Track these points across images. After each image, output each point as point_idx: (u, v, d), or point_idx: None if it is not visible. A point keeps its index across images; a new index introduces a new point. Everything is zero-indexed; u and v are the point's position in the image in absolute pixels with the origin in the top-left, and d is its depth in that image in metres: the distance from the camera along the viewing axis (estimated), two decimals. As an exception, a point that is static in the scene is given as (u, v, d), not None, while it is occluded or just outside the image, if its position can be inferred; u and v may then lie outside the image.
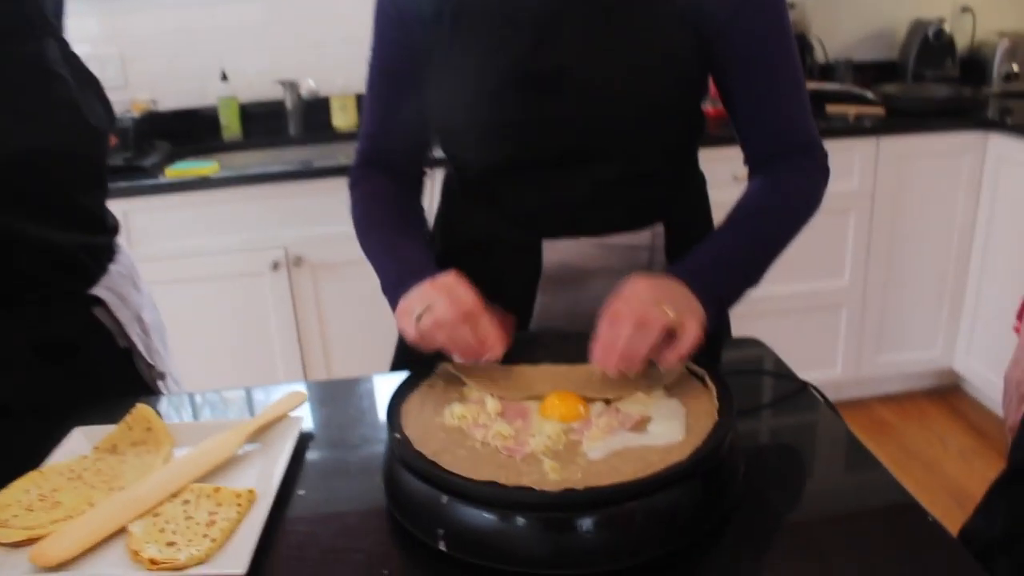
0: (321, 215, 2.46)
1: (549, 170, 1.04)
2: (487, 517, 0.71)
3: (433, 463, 0.75)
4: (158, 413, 1.00)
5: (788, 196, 1.04)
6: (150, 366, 1.25)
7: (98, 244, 1.22)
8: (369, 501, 0.85)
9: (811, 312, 2.80)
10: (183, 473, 0.89)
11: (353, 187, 1.13)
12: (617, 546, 0.71)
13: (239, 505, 0.83)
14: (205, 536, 0.79)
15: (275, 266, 2.48)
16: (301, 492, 0.88)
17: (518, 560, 0.71)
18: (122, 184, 2.40)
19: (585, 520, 0.70)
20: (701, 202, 1.17)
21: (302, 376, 2.59)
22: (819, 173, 1.06)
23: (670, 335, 0.85)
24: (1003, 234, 2.66)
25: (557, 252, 1.07)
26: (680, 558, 0.73)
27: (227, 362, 2.59)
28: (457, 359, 0.91)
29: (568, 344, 0.97)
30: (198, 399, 1.17)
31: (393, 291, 0.97)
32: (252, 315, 2.53)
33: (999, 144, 2.62)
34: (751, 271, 1.00)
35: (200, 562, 0.76)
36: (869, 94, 2.83)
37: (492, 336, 0.89)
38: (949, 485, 2.55)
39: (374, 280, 1.25)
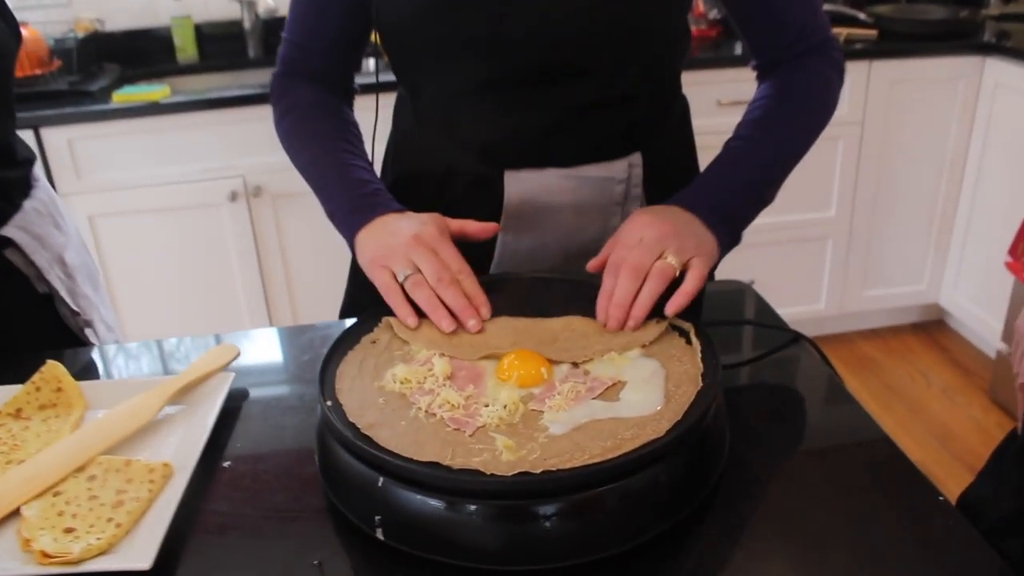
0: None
1: (512, 92, 0.91)
2: (429, 504, 0.61)
3: (367, 438, 0.64)
4: (90, 367, 0.88)
5: (803, 100, 0.95)
6: (75, 313, 1.13)
7: (8, 179, 1.08)
8: (303, 477, 0.75)
9: (796, 244, 2.70)
10: (91, 443, 0.77)
11: (279, 99, 1.02)
12: (582, 538, 0.61)
13: (151, 482, 0.72)
14: (110, 520, 0.68)
15: (233, 196, 2.34)
16: (227, 464, 0.78)
17: (466, 553, 0.61)
18: (67, 110, 2.23)
19: (544, 508, 0.60)
20: (684, 129, 1.05)
21: (266, 315, 2.48)
22: (834, 72, 0.97)
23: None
24: (996, 165, 2.55)
25: (520, 185, 0.95)
26: (654, 547, 0.64)
27: (184, 303, 2.46)
28: (437, 323, 0.81)
29: (531, 292, 0.85)
30: (133, 350, 1.06)
31: (348, 219, 0.88)
32: (209, 250, 2.40)
33: (996, 69, 2.49)
34: (765, 189, 0.92)
35: (100, 552, 0.65)
36: (861, 15, 2.69)
37: (479, 298, 0.82)
38: (931, 423, 2.49)
39: None
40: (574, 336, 0.77)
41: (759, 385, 0.87)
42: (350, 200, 0.89)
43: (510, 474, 0.60)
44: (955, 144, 2.64)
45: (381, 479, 0.62)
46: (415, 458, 0.62)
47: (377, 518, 0.63)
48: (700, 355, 0.73)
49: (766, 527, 0.67)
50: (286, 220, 2.40)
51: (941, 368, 2.76)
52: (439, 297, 0.80)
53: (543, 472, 0.60)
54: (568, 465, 0.60)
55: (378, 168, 1.08)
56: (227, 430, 0.82)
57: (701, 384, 0.70)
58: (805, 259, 2.74)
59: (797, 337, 0.92)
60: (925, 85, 2.56)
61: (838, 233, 2.70)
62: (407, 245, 0.82)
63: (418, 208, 1.00)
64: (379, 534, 0.64)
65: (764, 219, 0.94)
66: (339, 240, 1.10)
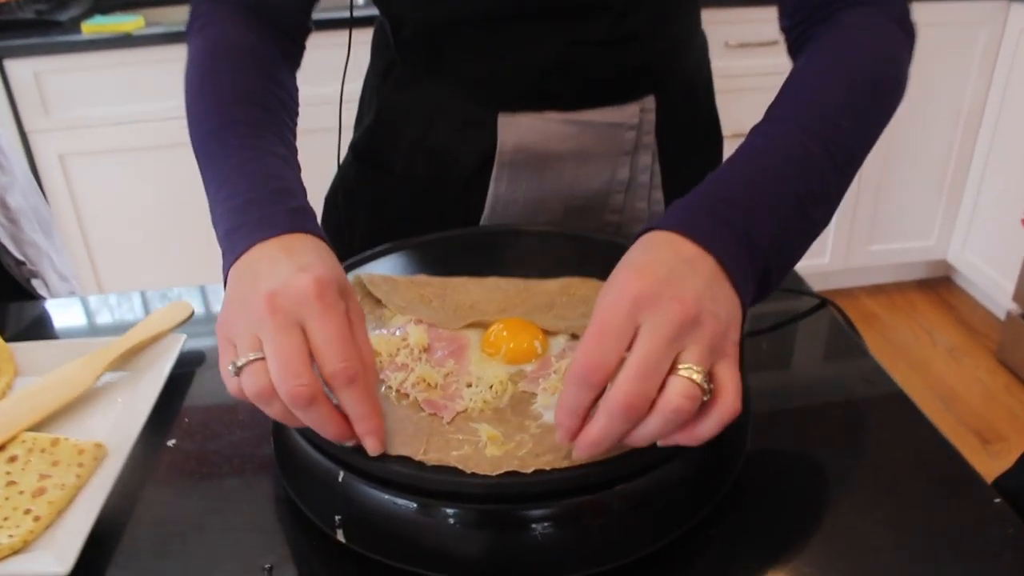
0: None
1: (510, 25, 0.79)
2: (398, 505, 0.51)
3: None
4: (35, 325, 0.78)
5: (862, 70, 0.63)
6: (19, 262, 1.02)
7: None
8: (258, 460, 0.65)
9: (801, 198, 2.58)
10: (15, 416, 0.67)
11: (197, 32, 0.74)
12: (579, 549, 0.51)
13: (80, 465, 0.62)
14: (28, 512, 0.58)
15: (211, 138, 2.20)
16: (171, 442, 0.68)
17: (441, 564, 0.51)
18: (33, 41, 2.09)
19: (533, 514, 0.50)
20: (701, 71, 0.93)
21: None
22: (901, 31, 0.67)
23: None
24: (1016, 118, 2.43)
25: (517, 130, 0.83)
26: (662, 557, 0.54)
27: (161, 248, 2.35)
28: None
29: (525, 249, 0.75)
30: (89, 304, 0.95)
31: (226, 237, 0.58)
32: (188, 191, 2.27)
33: (1021, 16, 2.35)
34: (818, 210, 0.57)
35: (13, 552, 0.55)
36: (880, -46, 2.53)
37: (369, 414, 0.51)
38: (936, 384, 2.41)
39: (329, 148, 0.99)
40: (573, 302, 0.67)
41: (780, 356, 0.77)
42: (234, 207, 0.58)
43: (494, 473, 0.50)
44: (973, 94, 2.51)
45: (342, 474, 0.52)
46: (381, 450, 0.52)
47: (337, 518, 0.53)
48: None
49: (794, 529, 0.57)
50: (268, 163, 2.27)
51: (947, 327, 2.67)
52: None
53: (534, 472, 0.50)
54: (564, 463, 0.50)
55: (353, 114, 0.96)
56: (175, 402, 0.72)
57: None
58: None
59: (823, 303, 0.82)
60: (944, 30, 2.42)
61: (846, 186, 2.58)
62: (256, 309, 0.50)
63: (399, 158, 0.89)
64: (340, 536, 0.54)
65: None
66: (326, 180, 0.97)
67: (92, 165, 2.23)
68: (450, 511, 0.50)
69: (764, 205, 0.54)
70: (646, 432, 0.47)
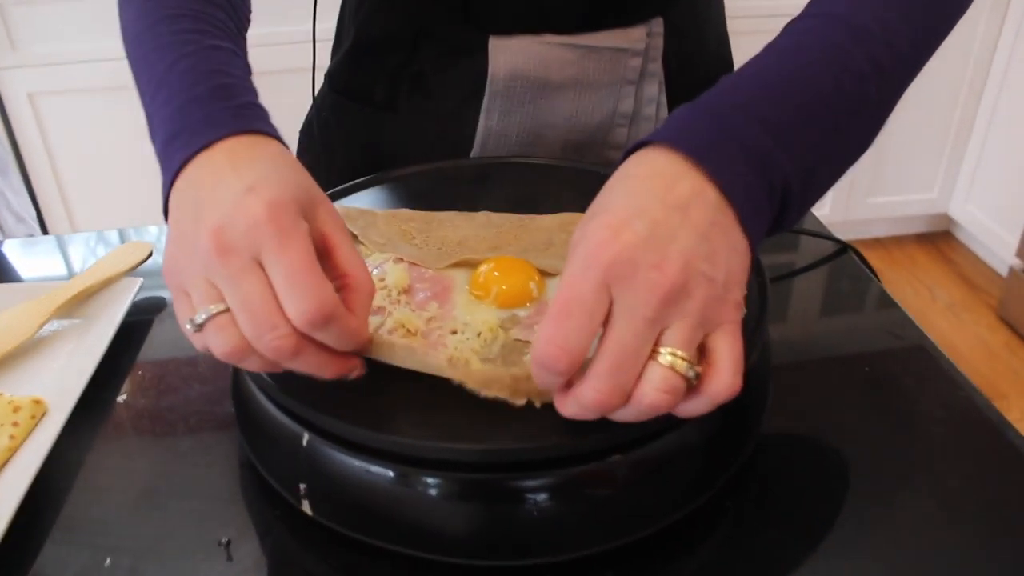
0: (264, 11, 2.05)
1: None
2: (370, 473, 0.44)
3: (289, 376, 0.47)
4: None
5: None
6: (-32, 201, 0.94)
7: None
8: (218, 419, 0.58)
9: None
10: (-54, 368, 0.60)
11: None
12: (578, 525, 0.44)
13: (15, 425, 0.55)
14: (-49, 476, 0.51)
15: (189, 77, 2.10)
16: (121, 398, 0.60)
17: (420, 540, 0.45)
18: (-5, -32, 1.97)
19: (527, 484, 0.43)
20: None
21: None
22: None
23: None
24: (1026, 66, 2.34)
25: (509, 55, 0.75)
26: (674, 531, 0.47)
27: (138, 192, 2.25)
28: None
29: (520, 181, 0.67)
30: (42, 245, 0.87)
31: (166, 147, 0.49)
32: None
33: (1036, -43, 2.26)
34: (857, 125, 0.48)
35: (-70, 522, 0.48)
36: None
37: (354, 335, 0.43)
38: (936, 340, 2.35)
39: (303, 89, 0.90)
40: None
41: (798, 305, 0.70)
42: (171, 113, 0.49)
43: (481, 391, 0.43)
44: (982, 40, 2.42)
45: (306, 436, 0.45)
46: (350, 410, 0.44)
47: (302, 486, 0.47)
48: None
49: (820, 498, 0.50)
50: (249, 104, 2.17)
51: (947, 283, 2.61)
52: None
53: (528, 439, 0.43)
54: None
55: (328, 45, 0.87)
56: (128, 354, 0.65)
57: (743, 309, 0.52)
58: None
59: (844, 248, 0.75)
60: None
61: (849, 135, 2.50)
62: (204, 252, 0.42)
63: (379, 87, 0.80)
64: (305, 507, 0.47)
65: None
66: (299, 122, 0.88)
67: (64, 104, 2.12)
68: (431, 481, 0.43)
69: (787, 113, 0.43)
70: (623, 418, 0.40)
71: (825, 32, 0.47)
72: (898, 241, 2.83)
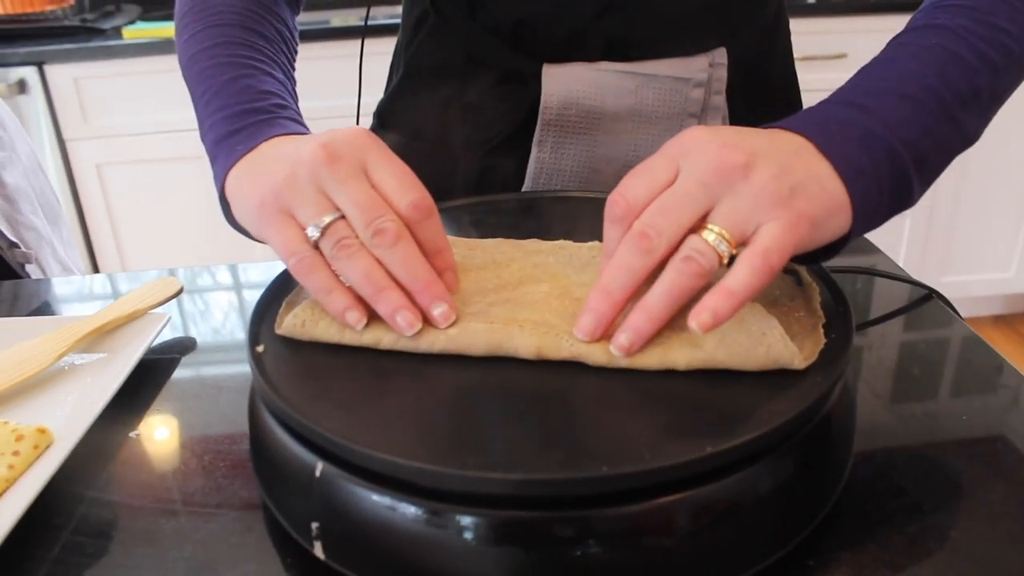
0: (303, 85, 2.08)
1: None
2: (392, 510, 0.38)
3: (304, 400, 0.42)
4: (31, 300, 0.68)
5: None
6: (13, 244, 0.92)
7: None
8: (234, 458, 0.52)
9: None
10: (-44, 397, 0.56)
11: None
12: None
13: (15, 454, 0.50)
14: (-55, 507, 0.47)
15: (250, 147, 2.13)
16: (135, 433, 0.56)
17: (448, 591, 0.38)
18: (69, 46, 2.04)
19: (573, 528, 0.36)
20: (780, 22, 0.80)
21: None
22: None
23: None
24: (1107, 136, 2.24)
25: (563, 83, 0.71)
26: (749, 592, 0.40)
27: (196, 260, 2.27)
28: (386, 319, 0.46)
29: (573, 213, 0.62)
30: (92, 283, 0.85)
31: (221, 143, 0.54)
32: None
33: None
34: (963, 105, 0.47)
35: (-88, 556, 0.44)
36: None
37: (444, 255, 0.49)
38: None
39: None
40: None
41: (882, 352, 0.63)
42: (232, 114, 0.54)
43: (521, 477, 0.37)
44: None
45: (320, 465, 0.40)
46: (371, 438, 0.39)
47: (315, 525, 0.41)
48: (819, 300, 0.49)
49: (915, 559, 0.43)
50: (307, 174, 2.19)
51: (1030, 365, 2.46)
52: (380, 264, 0.46)
53: (572, 476, 0.37)
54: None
55: (383, 79, 0.85)
56: (149, 389, 0.61)
57: (824, 340, 0.46)
58: (878, 240, 2.46)
59: (929, 294, 0.68)
60: None
61: (917, 209, 2.41)
62: (312, 163, 0.46)
63: (429, 121, 0.78)
64: (317, 549, 0.41)
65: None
66: None
67: (127, 174, 2.17)
68: (465, 519, 0.37)
69: (888, 99, 0.45)
70: (662, 288, 0.42)
71: (927, 36, 0.48)
72: (974, 323, 2.69)
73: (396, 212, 0.45)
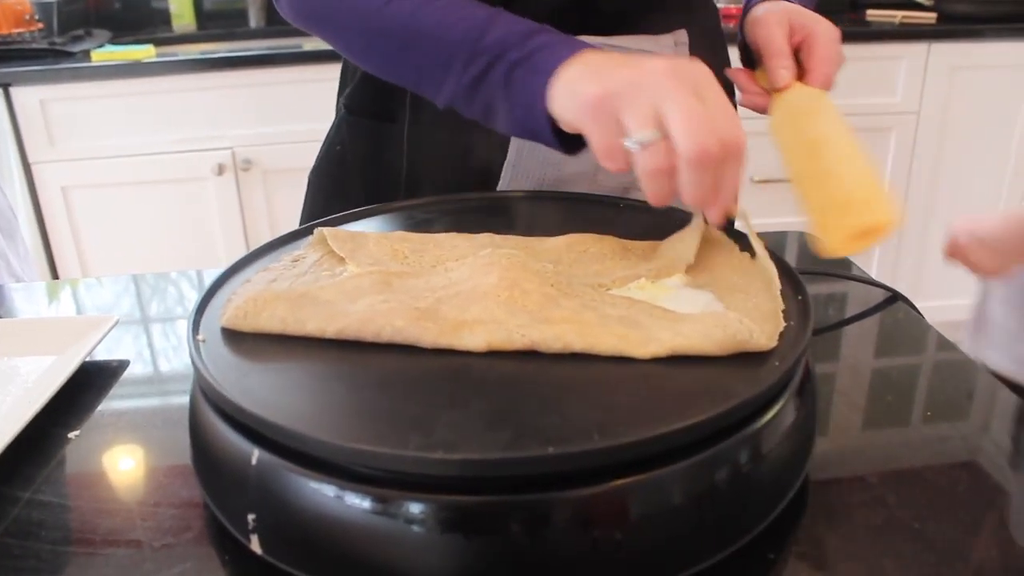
0: (275, 110, 2.08)
1: None
2: (334, 499, 0.36)
3: (242, 385, 0.40)
4: None
5: None
6: (-36, 257, 0.90)
7: None
8: (175, 462, 0.50)
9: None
10: None
11: None
12: (580, 569, 0.36)
13: (-56, 454, 0.48)
14: None
15: (219, 170, 2.11)
16: (74, 434, 0.53)
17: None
18: (40, 67, 2.02)
19: (533, 512, 0.35)
20: (715, 10, 0.84)
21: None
22: None
23: None
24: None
25: None
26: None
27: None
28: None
29: (534, 211, 0.61)
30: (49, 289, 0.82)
31: (534, 57, 0.56)
32: (192, 228, 2.17)
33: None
34: None
35: None
36: (920, -4, 2.44)
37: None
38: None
39: None
40: (585, 259, 0.53)
41: (848, 351, 0.62)
42: (522, 31, 0.57)
43: (477, 456, 0.35)
44: (1021, 141, 2.37)
45: (256, 452, 0.38)
46: (306, 418, 0.37)
47: (251, 517, 0.39)
48: (778, 287, 0.48)
49: (877, 555, 0.41)
50: (277, 197, 2.16)
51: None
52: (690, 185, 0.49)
53: (524, 455, 0.35)
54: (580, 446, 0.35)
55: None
56: (94, 392, 0.58)
57: (783, 324, 0.45)
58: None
59: (894, 297, 0.67)
60: (989, 72, 2.29)
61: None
62: (659, 75, 0.49)
63: (400, 105, 0.76)
64: (254, 544, 0.39)
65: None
66: None
67: (94, 198, 2.13)
68: (408, 507, 0.35)
69: None
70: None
71: None
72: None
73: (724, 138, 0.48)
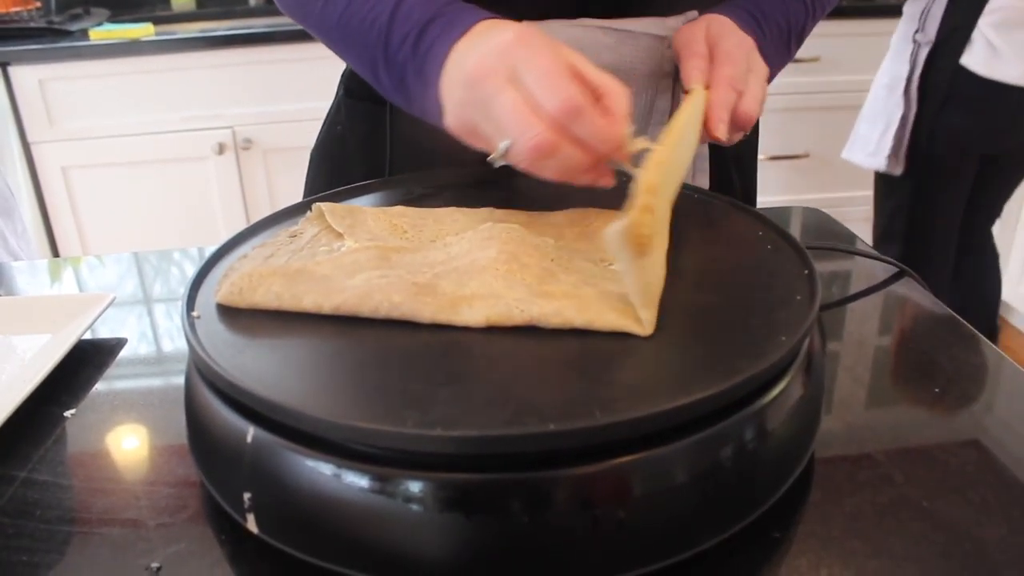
0: (276, 89, 2.07)
1: None
2: (331, 477, 0.35)
3: (237, 362, 0.39)
4: None
5: None
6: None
7: None
8: (172, 440, 0.50)
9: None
10: None
11: None
12: (578, 551, 0.35)
13: (-63, 432, 0.47)
14: None
15: (220, 149, 2.10)
16: (70, 413, 0.53)
17: (398, 568, 0.35)
18: (35, 47, 2.01)
19: (534, 491, 0.34)
20: None
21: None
22: None
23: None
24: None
25: None
26: (706, 564, 0.38)
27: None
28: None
29: (534, 184, 0.60)
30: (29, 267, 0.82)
31: (427, 36, 0.55)
32: (193, 208, 2.17)
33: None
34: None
35: None
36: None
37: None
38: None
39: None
40: (587, 234, 0.52)
41: (855, 327, 0.61)
42: (415, 33, 0.56)
43: (479, 433, 0.34)
44: None
45: (252, 430, 0.37)
46: (305, 394, 0.36)
47: (247, 496, 0.38)
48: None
49: (883, 533, 0.41)
50: (278, 177, 2.16)
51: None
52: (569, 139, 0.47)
53: (525, 429, 0.34)
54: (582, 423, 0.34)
55: None
56: (90, 370, 0.58)
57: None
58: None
59: (902, 271, 0.66)
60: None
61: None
62: (508, 45, 0.49)
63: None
64: (250, 523, 0.38)
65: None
66: None
67: (93, 177, 2.13)
68: (406, 485, 0.34)
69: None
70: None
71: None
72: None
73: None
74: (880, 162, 1.66)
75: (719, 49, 0.62)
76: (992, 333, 2.00)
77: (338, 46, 0.63)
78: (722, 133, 0.58)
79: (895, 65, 1.66)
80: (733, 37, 0.63)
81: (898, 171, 1.67)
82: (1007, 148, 1.66)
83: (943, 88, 1.57)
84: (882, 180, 1.75)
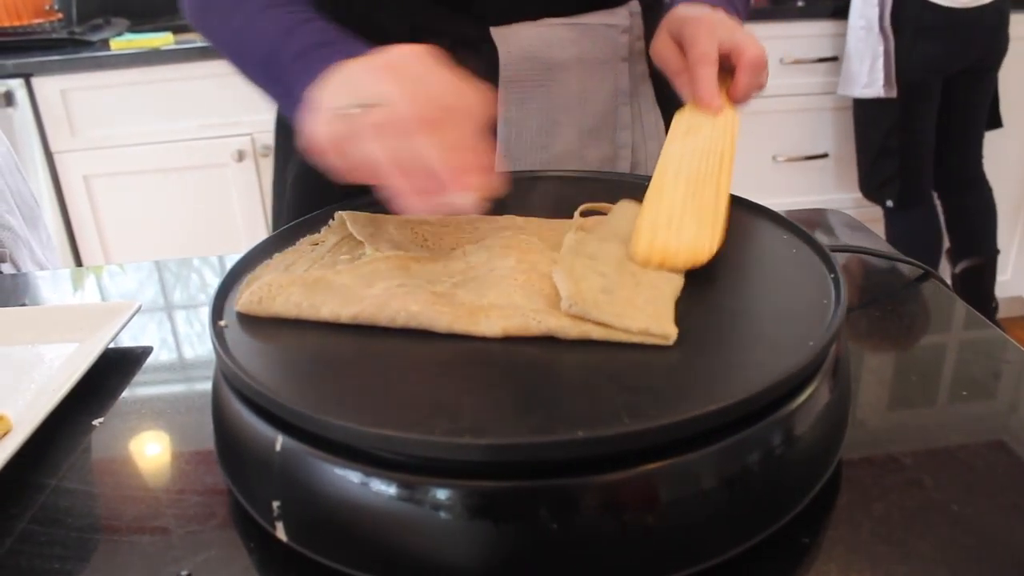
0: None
1: None
2: (360, 485, 0.35)
3: (264, 368, 0.39)
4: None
5: None
6: (-14, 242, 0.90)
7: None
8: (199, 448, 0.50)
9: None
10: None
11: None
12: (607, 556, 0.35)
13: (-31, 442, 0.48)
14: None
15: (239, 156, 2.11)
16: (98, 422, 0.53)
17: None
18: (59, 57, 2.03)
19: (563, 498, 0.34)
20: None
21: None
22: None
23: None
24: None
25: (517, 40, 0.73)
26: (736, 570, 0.38)
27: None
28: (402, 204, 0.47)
29: (550, 191, 0.60)
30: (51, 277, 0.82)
31: (292, 67, 0.57)
32: (213, 215, 2.18)
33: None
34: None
35: None
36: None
37: (481, 156, 0.47)
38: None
39: None
40: (608, 241, 0.52)
41: (881, 329, 0.61)
42: (300, 48, 0.57)
43: (501, 442, 0.34)
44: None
45: (280, 439, 0.37)
46: (331, 406, 0.37)
47: (276, 504, 0.38)
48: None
49: (912, 537, 0.40)
50: (297, 184, 2.17)
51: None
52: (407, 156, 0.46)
53: (561, 437, 0.34)
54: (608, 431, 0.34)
55: None
56: (118, 379, 0.58)
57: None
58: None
59: (927, 273, 0.66)
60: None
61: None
62: (371, 71, 0.50)
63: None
64: (279, 531, 0.39)
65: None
66: None
67: (115, 186, 2.14)
68: (435, 493, 0.35)
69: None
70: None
71: None
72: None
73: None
74: (877, 90, 1.96)
75: (683, 38, 0.66)
76: (992, 257, 2.27)
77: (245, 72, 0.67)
78: (717, 103, 0.62)
79: (867, 7, 1.95)
80: (693, 23, 0.66)
81: (893, 94, 1.96)
82: (968, 65, 1.99)
83: (912, 21, 1.91)
84: (869, 109, 2.02)
